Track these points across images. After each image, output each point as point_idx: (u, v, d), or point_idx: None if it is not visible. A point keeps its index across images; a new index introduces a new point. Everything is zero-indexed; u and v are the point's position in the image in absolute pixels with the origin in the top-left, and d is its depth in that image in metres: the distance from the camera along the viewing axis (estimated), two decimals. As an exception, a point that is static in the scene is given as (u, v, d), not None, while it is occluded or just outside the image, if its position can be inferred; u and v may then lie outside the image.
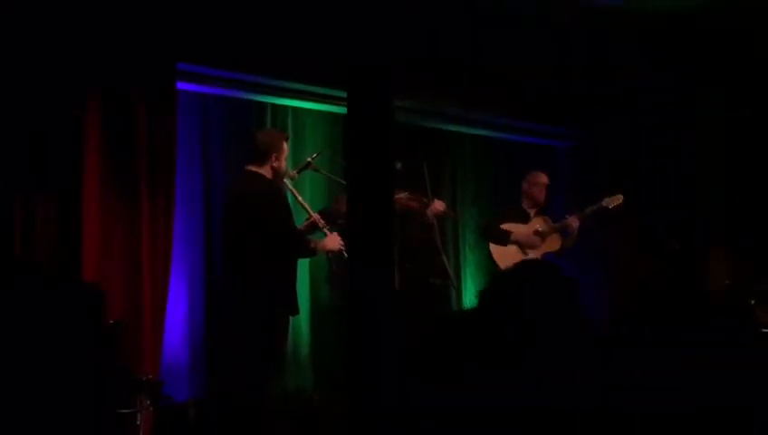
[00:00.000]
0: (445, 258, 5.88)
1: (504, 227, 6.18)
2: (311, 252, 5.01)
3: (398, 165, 5.30)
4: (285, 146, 4.92)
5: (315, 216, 4.99)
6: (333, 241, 4.93)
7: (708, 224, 6.86)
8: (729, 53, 6.82)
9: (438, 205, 5.78)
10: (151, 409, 4.30)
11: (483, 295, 1.92)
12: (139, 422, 4.20)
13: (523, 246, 6.11)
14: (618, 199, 6.14)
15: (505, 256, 6.08)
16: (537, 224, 6.20)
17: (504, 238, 6.14)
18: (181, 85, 4.91)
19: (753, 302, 5.33)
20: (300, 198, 5.07)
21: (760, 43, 6.64)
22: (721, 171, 6.96)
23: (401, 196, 5.51)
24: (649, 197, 6.93)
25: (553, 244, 6.17)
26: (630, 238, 6.83)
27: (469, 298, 6.97)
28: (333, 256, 5.22)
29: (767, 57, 6.68)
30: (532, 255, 6.07)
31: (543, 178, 6.28)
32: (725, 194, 6.89)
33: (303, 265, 5.70)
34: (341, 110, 5.52)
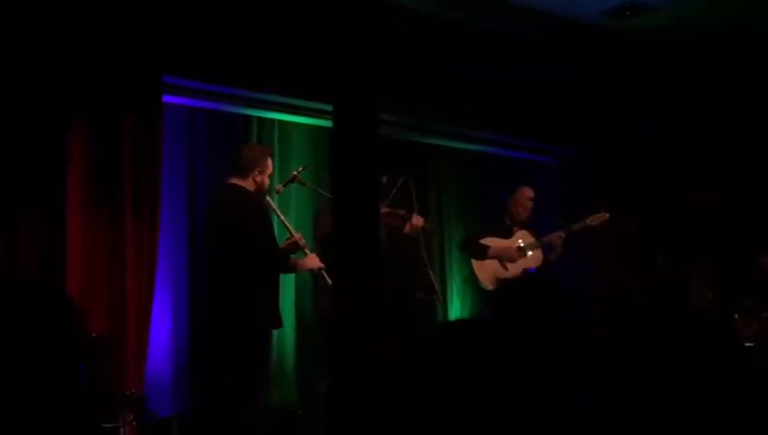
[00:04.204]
0: (431, 273, 5.87)
1: (484, 241, 6.12)
2: (290, 269, 5.04)
3: (384, 179, 5.31)
4: (269, 162, 4.93)
5: (297, 235, 4.98)
6: (313, 261, 4.95)
7: (693, 239, 6.90)
8: (707, 70, 6.91)
9: (417, 220, 5.73)
10: (134, 424, 4.27)
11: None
12: (122, 437, 4.18)
13: (501, 260, 6.05)
14: (602, 217, 6.09)
15: (485, 270, 6.04)
16: (520, 238, 6.14)
17: (482, 252, 6.07)
18: (167, 98, 4.90)
19: (736, 316, 5.36)
20: (282, 217, 5.06)
21: (733, 58, 6.74)
22: (705, 186, 7.02)
23: (382, 211, 5.46)
24: (636, 212, 6.97)
25: (535, 259, 6.09)
26: (617, 253, 6.86)
27: (455, 312, 6.97)
28: (317, 272, 5.22)
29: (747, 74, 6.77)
30: (511, 269, 6.01)
31: (530, 194, 6.21)
32: (713, 209, 6.94)
33: (289, 279, 5.69)
34: (327, 123, 5.53)
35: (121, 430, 4.17)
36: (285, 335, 5.75)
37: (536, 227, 6.25)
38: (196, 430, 4.83)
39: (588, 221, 6.09)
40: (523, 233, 6.17)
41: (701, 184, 7.05)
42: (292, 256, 4.98)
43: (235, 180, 4.84)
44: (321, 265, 4.94)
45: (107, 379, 4.30)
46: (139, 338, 4.57)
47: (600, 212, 6.13)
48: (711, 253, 6.70)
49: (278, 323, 4.87)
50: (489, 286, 5.99)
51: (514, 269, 6.01)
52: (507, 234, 6.18)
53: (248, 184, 4.82)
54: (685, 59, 6.85)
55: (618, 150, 7.03)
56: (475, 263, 6.12)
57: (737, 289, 5.96)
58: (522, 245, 6.10)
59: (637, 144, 7.10)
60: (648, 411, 1.28)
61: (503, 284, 5.88)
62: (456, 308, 6.99)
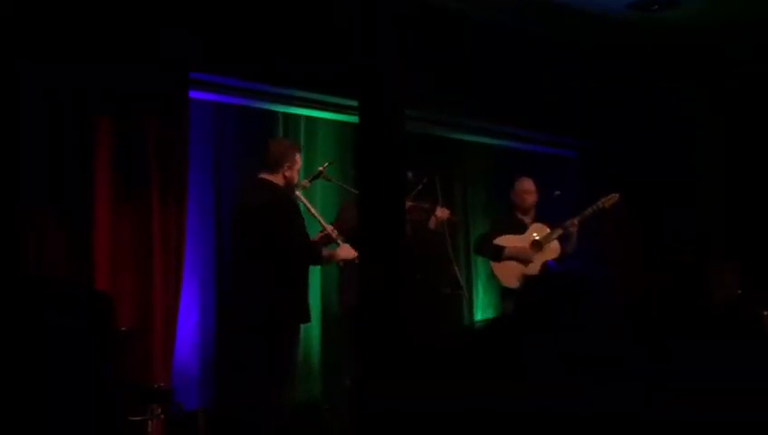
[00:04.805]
0: (457, 268, 5.86)
1: (498, 241, 6.04)
2: (324, 261, 5.05)
3: (409, 174, 5.30)
4: (298, 157, 4.95)
5: (329, 227, 4.99)
6: (347, 251, 4.94)
7: (718, 234, 6.85)
8: (731, 65, 6.84)
9: (443, 213, 5.72)
10: (162, 417, 4.31)
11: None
12: (150, 430, 4.21)
13: (519, 260, 5.99)
14: (613, 198, 6.06)
15: (505, 269, 5.99)
16: (534, 232, 6.08)
17: (497, 254, 6.01)
18: (193, 94, 4.92)
19: (765, 312, 5.30)
20: (313, 210, 5.07)
21: (758, 54, 6.66)
22: (727, 182, 6.96)
23: (406, 205, 5.43)
24: (658, 207, 6.92)
25: (552, 252, 6.03)
26: (640, 249, 6.81)
27: (481, 308, 6.95)
28: (345, 265, 5.21)
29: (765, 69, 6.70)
30: (531, 265, 5.96)
31: (528, 185, 6.16)
32: (735, 204, 6.88)
33: (315, 274, 5.71)
34: (353, 119, 5.53)
35: (149, 423, 4.21)
36: (311, 329, 5.77)
37: (556, 219, 6.20)
38: (222, 424, 4.87)
39: (600, 204, 6.06)
40: (538, 226, 6.11)
41: (720, 179, 7.00)
42: (326, 247, 5.00)
43: (264, 175, 4.85)
44: (355, 254, 4.93)
45: (135, 372, 4.34)
46: (167, 332, 4.60)
47: (610, 194, 6.09)
48: (737, 246, 6.65)
49: (307, 317, 4.88)
50: (515, 283, 5.95)
51: (534, 265, 5.97)
52: (521, 229, 6.12)
53: (277, 179, 4.84)
54: (709, 53, 6.77)
55: (639, 144, 6.98)
56: (493, 264, 6.07)
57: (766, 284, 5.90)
58: (537, 238, 6.06)
59: (658, 138, 7.05)
60: (670, 411, 1.27)
61: (526, 280, 5.85)
62: (482, 304, 6.97)
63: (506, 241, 6.05)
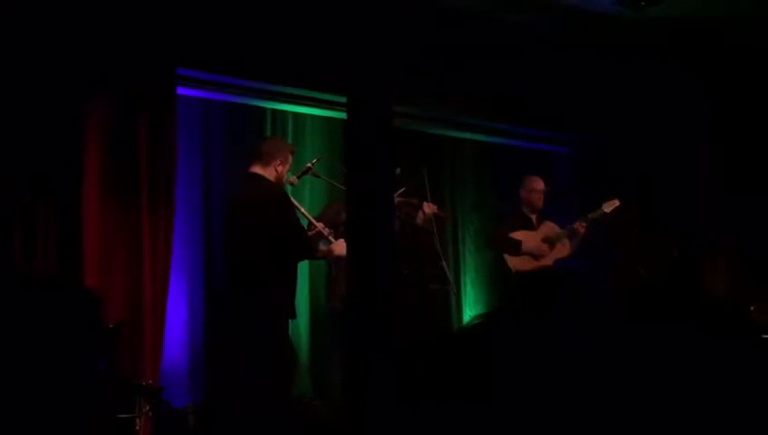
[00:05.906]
0: (445, 264, 5.86)
1: (514, 235, 6.12)
2: (319, 256, 5.04)
3: (398, 170, 5.30)
4: (290, 158, 4.93)
5: (319, 225, 4.97)
6: (342, 247, 4.89)
7: (717, 233, 6.86)
8: (728, 60, 6.85)
9: (430, 207, 5.73)
10: (150, 414, 4.30)
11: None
12: (138, 427, 4.19)
13: (534, 255, 6.09)
14: (614, 204, 6.17)
15: (520, 262, 6.07)
16: (546, 230, 6.18)
17: (515, 248, 6.08)
18: (181, 90, 4.90)
19: (752, 307, 5.33)
20: (303, 209, 5.06)
21: (756, 48, 6.68)
22: (720, 178, 6.97)
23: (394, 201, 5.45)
24: (649, 203, 6.94)
25: (563, 250, 6.15)
26: (631, 245, 6.83)
27: (469, 303, 6.96)
28: (336, 261, 5.20)
29: (764, 63, 6.72)
30: (543, 261, 6.07)
31: (540, 184, 6.25)
32: (735, 203, 6.90)
33: (303, 271, 5.70)
34: (341, 115, 5.52)
35: (137, 420, 4.20)
36: (300, 325, 5.76)
37: (552, 216, 6.26)
38: (211, 421, 4.86)
39: (602, 210, 6.15)
40: (549, 224, 6.22)
41: (714, 173, 7.01)
42: (322, 244, 5.00)
43: (255, 169, 4.81)
44: None
45: (123, 369, 4.32)
46: (155, 328, 4.59)
47: (611, 198, 6.19)
48: (735, 246, 6.67)
49: (293, 313, 4.87)
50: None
51: (547, 260, 6.05)
52: (530, 226, 6.21)
53: (269, 173, 4.80)
54: (708, 52, 6.78)
55: (638, 143, 6.99)
56: (508, 256, 6.13)
57: (756, 278, 5.94)
58: (549, 236, 6.13)
59: (657, 136, 7.06)
60: (668, 411, 1.27)
61: (523, 276, 5.91)
62: (471, 299, 6.98)
63: (520, 236, 6.13)
